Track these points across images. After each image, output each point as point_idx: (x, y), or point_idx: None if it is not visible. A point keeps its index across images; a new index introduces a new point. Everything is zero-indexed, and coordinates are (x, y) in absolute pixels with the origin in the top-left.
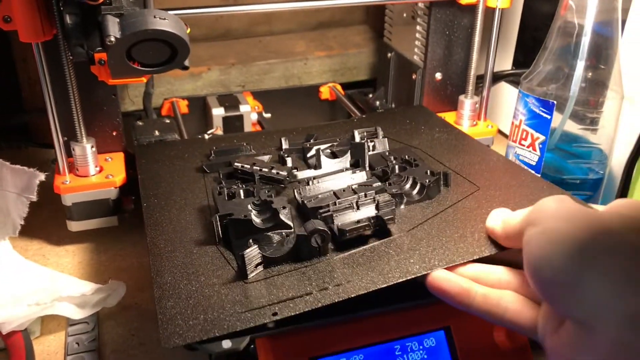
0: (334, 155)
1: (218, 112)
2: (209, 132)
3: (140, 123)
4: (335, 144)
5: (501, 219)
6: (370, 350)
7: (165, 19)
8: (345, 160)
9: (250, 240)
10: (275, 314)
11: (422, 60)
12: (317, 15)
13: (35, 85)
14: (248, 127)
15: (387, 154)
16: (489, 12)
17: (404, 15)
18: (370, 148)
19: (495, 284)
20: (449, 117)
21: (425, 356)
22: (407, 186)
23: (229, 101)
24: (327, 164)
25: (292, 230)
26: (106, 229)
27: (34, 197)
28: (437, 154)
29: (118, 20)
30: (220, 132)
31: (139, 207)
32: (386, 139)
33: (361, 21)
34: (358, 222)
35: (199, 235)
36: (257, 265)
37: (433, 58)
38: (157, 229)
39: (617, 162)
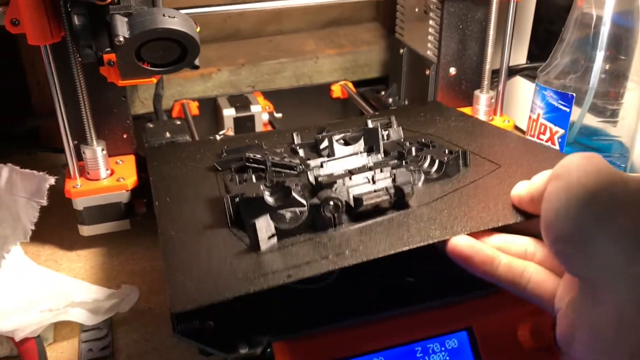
0: (347, 143)
1: (229, 112)
2: (220, 133)
3: (151, 125)
4: (348, 134)
5: (527, 184)
6: (391, 353)
7: (174, 17)
8: (360, 147)
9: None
10: (289, 276)
11: (436, 56)
12: (326, 13)
13: (44, 90)
14: (259, 128)
15: (402, 140)
16: (503, 5)
17: (416, 10)
18: (385, 137)
19: (520, 255)
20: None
21: (448, 358)
22: (426, 165)
23: (240, 102)
24: (341, 151)
25: (306, 208)
26: (118, 232)
27: (44, 202)
28: (455, 139)
29: (126, 19)
30: (231, 133)
31: (151, 210)
32: (400, 127)
33: (371, 18)
34: (375, 191)
35: (211, 221)
36: (270, 237)
37: (447, 53)
38: (168, 219)
39: (639, 154)
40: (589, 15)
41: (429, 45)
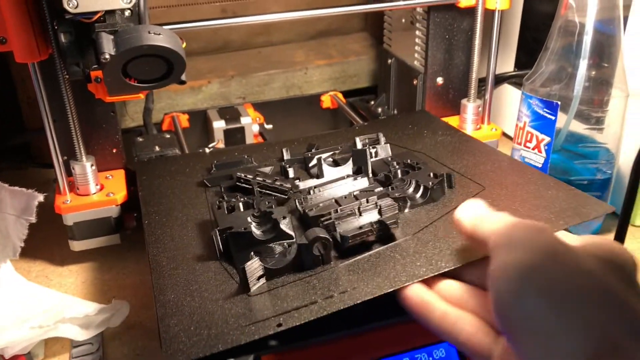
0: (335, 163)
1: (219, 125)
2: (210, 145)
3: (141, 139)
4: (337, 152)
5: (473, 217)
6: None
7: (160, 34)
8: (348, 168)
9: (252, 253)
10: (280, 324)
11: (423, 66)
12: (315, 25)
13: (35, 105)
14: (250, 139)
15: (389, 159)
16: (489, 14)
17: (403, 20)
18: (373, 154)
19: (457, 301)
20: (452, 121)
21: None
22: (410, 190)
23: (230, 114)
24: (329, 173)
25: (294, 240)
26: (109, 247)
27: (33, 219)
28: (441, 156)
29: (112, 37)
30: (222, 145)
31: (141, 224)
32: (388, 144)
33: (360, 29)
34: (361, 227)
35: (201, 251)
36: (259, 277)
37: (434, 63)
38: (158, 246)
39: (625, 161)
40: (572, 24)
41: (416, 55)
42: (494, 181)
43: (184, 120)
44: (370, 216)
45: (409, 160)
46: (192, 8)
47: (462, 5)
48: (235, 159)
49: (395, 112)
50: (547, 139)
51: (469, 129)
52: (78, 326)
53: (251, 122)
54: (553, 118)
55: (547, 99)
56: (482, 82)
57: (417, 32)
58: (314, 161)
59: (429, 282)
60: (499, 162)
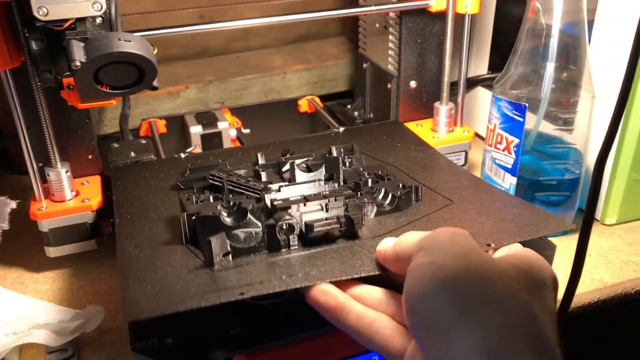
0: (308, 169)
1: (196, 130)
2: (186, 150)
3: (116, 145)
4: (310, 158)
5: (394, 242)
6: None
7: (130, 40)
8: (320, 174)
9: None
10: (242, 293)
11: (396, 70)
12: (293, 29)
13: (9, 112)
14: (227, 144)
15: (361, 169)
16: (459, 18)
17: (377, 25)
18: (347, 164)
19: (376, 305)
20: (425, 124)
21: None
22: (379, 197)
23: (207, 119)
24: (302, 177)
25: (261, 229)
26: (85, 253)
27: (6, 226)
28: (412, 171)
29: (83, 44)
30: (199, 150)
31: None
32: (362, 156)
33: (337, 33)
34: (326, 219)
35: (168, 239)
36: (224, 254)
37: (407, 67)
38: (127, 238)
39: (593, 161)
40: (539, 26)
41: (390, 59)
42: (463, 197)
43: (161, 126)
44: (337, 211)
45: (380, 172)
46: (169, 14)
47: (433, 10)
48: (210, 163)
49: (371, 115)
50: (516, 140)
51: (442, 132)
52: (52, 332)
53: (228, 127)
54: (521, 120)
55: (515, 101)
56: (454, 85)
57: (390, 37)
58: (287, 166)
59: (349, 285)
60: (468, 181)
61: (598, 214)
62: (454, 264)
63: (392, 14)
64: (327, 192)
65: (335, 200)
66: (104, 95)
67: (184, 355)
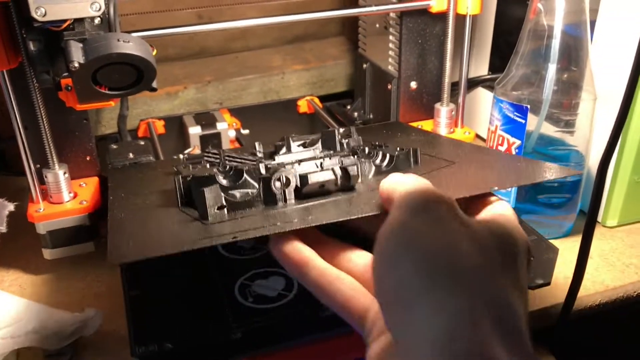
0: (304, 146)
1: (195, 130)
2: (185, 152)
3: (115, 146)
4: (307, 140)
5: (392, 182)
6: None
7: (129, 41)
8: (316, 151)
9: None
10: (235, 237)
11: (397, 70)
12: (292, 29)
13: (7, 113)
14: (226, 145)
15: (359, 145)
16: (460, 19)
17: (377, 25)
18: (344, 144)
19: (345, 263)
20: (426, 125)
21: None
22: (378, 160)
23: (206, 119)
24: (297, 150)
25: (257, 189)
26: (83, 255)
27: (4, 229)
28: (413, 147)
29: (81, 45)
30: (197, 151)
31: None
32: (360, 137)
33: (337, 33)
34: (321, 171)
35: (161, 203)
36: (219, 208)
37: (407, 67)
38: (119, 209)
39: (594, 162)
40: (541, 28)
41: (390, 60)
42: (464, 159)
43: (159, 127)
44: (332, 165)
45: (377, 142)
46: (168, 14)
47: (434, 11)
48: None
49: (371, 116)
50: (518, 142)
51: (442, 133)
52: (50, 335)
53: (227, 128)
54: (523, 122)
55: (517, 103)
56: (455, 86)
57: (391, 37)
58: (284, 149)
59: (319, 243)
60: (472, 147)
61: (599, 216)
62: (428, 230)
63: (392, 15)
64: (322, 156)
65: (330, 159)
66: (103, 96)
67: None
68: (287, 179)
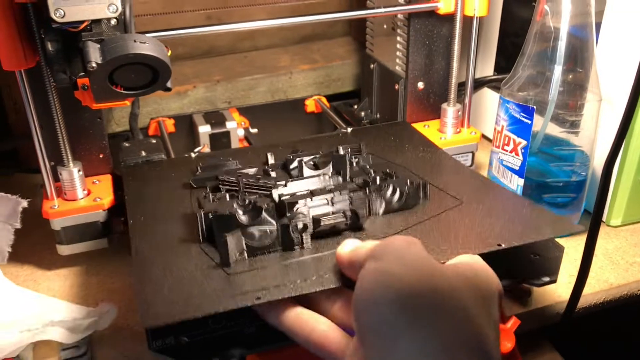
0: (316, 167)
1: (204, 129)
2: (195, 150)
3: (127, 144)
4: (318, 156)
5: (350, 248)
6: None
7: (145, 42)
8: (327, 172)
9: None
10: (258, 298)
11: (404, 71)
12: (300, 30)
13: (21, 110)
14: (235, 144)
15: (368, 167)
16: (468, 20)
17: (385, 26)
18: (354, 164)
19: (323, 302)
20: (432, 125)
21: None
22: (388, 194)
23: (215, 118)
24: (309, 174)
25: (275, 227)
26: (96, 251)
27: (19, 225)
28: (421, 172)
29: (99, 45)
30: (207, 149)
31: (129, 229)
32: (370, 155)
33: (344, 33)
34: (333, 213)
35: (183, 238)
36: (240, 253)
37: (414, 68)
38: (141, 237)
39: (599, 163)
40: (547, 29)
41: (398, 60)
42: (472, 197)
43: (169, 125)
44: (343, 205)
45: (387, 170)
46: (177, 16)
47: (441, 12)
48: (221, 162)
49: (378, 116)
50: (524, 142)
51: (449, 133)
52: (66, 329)
53: (236, 127)
54: (529, 122)
55: (523, 104)
56: (461, 86)
57: (399, 38)
58: (295, 164)
59: None
60: (478, 182)
61: (603, 216)
62: (405, 273)
63: (400, 16)
64: (333, 187)
65: (341, 194)
66: (118, 96)
67: (199, 353)
68: (305, 226)
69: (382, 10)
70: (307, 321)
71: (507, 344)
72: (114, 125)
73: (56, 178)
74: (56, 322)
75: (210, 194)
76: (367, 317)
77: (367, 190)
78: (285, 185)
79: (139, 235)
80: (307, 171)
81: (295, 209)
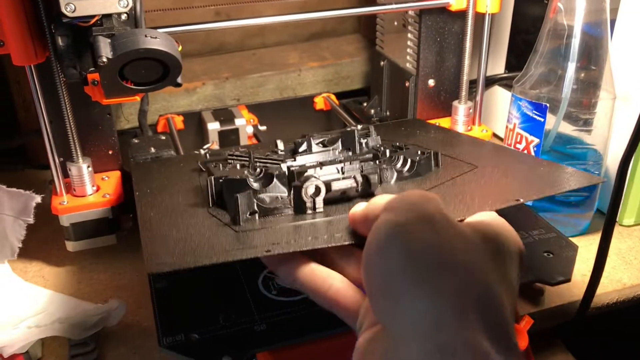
0: (324, 145)
1: (213, 126)
2: (205, 147)
3: (136, 141)
4: (326, 138)
5: (365, 205)
6: None
7: (156, 37)
8: (337, 147)
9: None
10: (268, 250)
11: (415, 68)
12: (309, 27)
13: (30, 107)
14: (244, 141)
15: (378, 145)
16: (479, 17)
17: (395, 23)
18: (363, 144)
19: (337, 261)
20: (443, 122)
21: None
22: (398, 165)
23: (224, 115)
24: (318, 150)
25: (286, 193)
26: (105, 247)
27: (31, 220)
28: (432, 147)
29: (109, 40)
30: (216, 146)
31: (137, 225)
32: (379, 137)
33: (353, 30)
34: (343, 178)
35: (190, 204)
36: (251, 213)
37: (425, 65)
38: (148, 205)
39: (612, 162)
40: (561, 26)
41: (408, 57)
42: (486, 162)
43: (178, 122)
44: (353, 173)
45: (397, 143)
46: (186, 11)
47: (453, 9)
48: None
49: (388, 113)
50: (536, 140)
51: (460, 130)
52: (75, 325)
53: (245, 124)
54: (542, 120)
55: (536, 101)
56: (473, 84)
57: (409, 35)
58: (304, 145)
59: None
60: (493, 148)
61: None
62: (416, 225)
63: (411, 13)
64: (343, 158)
65: (351, 163)
66: (129, 91)
67: (209, 351)
68: (318, 188)
69: (394, 6)
70: (321, 277)
71: (521, 344)
72: (123, 121)
73: (65, 174)
74: (65, 319)
75: (221, 165)
76: (373, 270)
77: (378, 162)
78: (294, 159)
79: (145, 204)
80: (316, 148)
81: (305, 176)
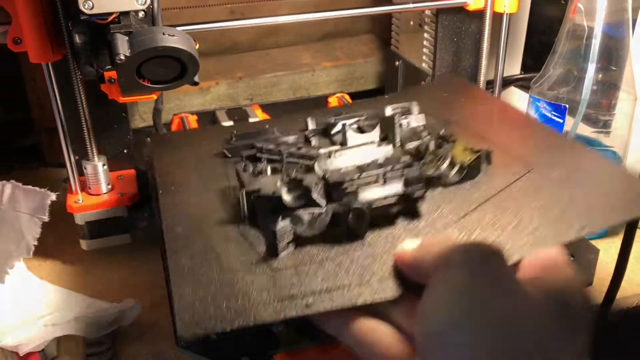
0: (360, 130)
1: (227, 125)
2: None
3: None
4: (362, 118)
5: (415, 246)
6: None
7: (174, 35)
8: (374, 136)
9: (280, 218)
10: (308, 305)
11: (431, 68)
12: (322, 27)
13: (44, 105)
14: None
15: (420, 129)
16: (497, 17)
17: (411, 23)
18: (404, 125)
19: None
20: None
21: None
22: (444, 167)
23: (238, 115)
24: (354, 140)
25: (324, 209)
26: (119, 246)
27: (46, 218)
28: (481, 129)
29: (127, 38)
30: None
31: (152, 224)
32: (423, 115)
33: (367, 30)
34: (385, 198)
35: (219, 218)
36: (288, 243)
37: (442, 65)
38: (173, 214)
39: (632, 164)
40: (580, 27)
41: (424, 57)
42: (543, 161)
43: (192, 121)
44: (395, 186)
45: (442, 132)
46: (201, 10)
47: (470, 9)
48: (256, 130)
49: None
50: None
51: None
52: (90, 324)
53: None
54: (561, 121)
55: (555, 102)
56: (489, 84)
57: (426, 35)
58: (338, 127)
59: None
60: (548, 138)
61: None
62: (485, 291)
63: (428, 12)
64: (383, 160)
65: (393, 169)
66: (146, 89)
67: (227, 351)
68: (362, 213)
69: (410, 5)
70: (368, 333)
71: None
72: (138, 119)
73: (80, 172)
74: (80, 317)
75: (251, 166)
76: (434, 343)
77: (422, 164)
78: (329, 157)
79: (168, 209)
80: (351, 136)
81: (343, 187)
